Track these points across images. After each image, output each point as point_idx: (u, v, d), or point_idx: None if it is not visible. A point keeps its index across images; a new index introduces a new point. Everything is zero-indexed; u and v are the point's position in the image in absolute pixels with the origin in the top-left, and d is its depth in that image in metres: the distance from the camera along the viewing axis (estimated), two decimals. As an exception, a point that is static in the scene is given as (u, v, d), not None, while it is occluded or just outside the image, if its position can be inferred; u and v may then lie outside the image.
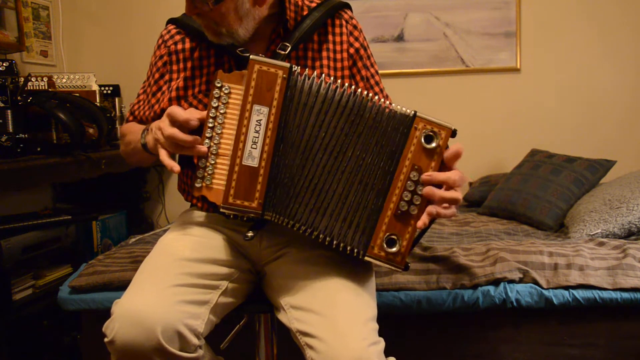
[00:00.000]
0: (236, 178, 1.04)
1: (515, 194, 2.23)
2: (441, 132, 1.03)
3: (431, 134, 1.03)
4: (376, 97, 1.06)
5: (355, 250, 1.06)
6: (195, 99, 1.23)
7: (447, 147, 1.04)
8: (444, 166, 1.04)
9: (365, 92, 1.06)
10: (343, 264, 1.14)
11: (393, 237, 1.04)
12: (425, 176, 1.02)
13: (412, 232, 1.04)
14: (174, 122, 1.04)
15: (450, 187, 1.02)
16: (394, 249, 1.04)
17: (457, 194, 1.02)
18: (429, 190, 1.02)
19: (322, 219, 1.06)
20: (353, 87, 1.06)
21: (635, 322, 1.55)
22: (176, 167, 1.05)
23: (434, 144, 1.03)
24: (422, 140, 1.03)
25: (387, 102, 1.07)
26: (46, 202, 2.56)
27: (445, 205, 1.02)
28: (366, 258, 1.06)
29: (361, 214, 1.06)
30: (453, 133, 1.03)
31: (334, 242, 1.06)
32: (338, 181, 1.06)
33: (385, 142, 1.05)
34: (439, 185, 1.03)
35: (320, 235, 1.06)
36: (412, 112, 1.04)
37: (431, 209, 1.02)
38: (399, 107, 1.05)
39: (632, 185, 1.96)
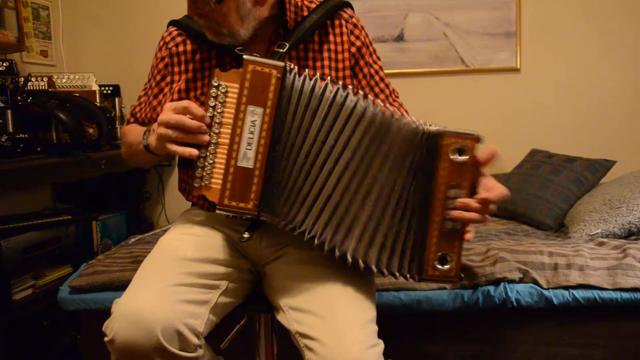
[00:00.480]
0: (231, 179, 1.04)
1: (515, 194, 2.22)
2: (468, 142, 1.02)
3: (461, 147, 1.02)
4: (398, 113, 1.05)
5: (408, 276, 1.07)
6: (198, 101, 1.22)
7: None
8: (478, 171, 1.04)
9: (386, 108, 1.05)
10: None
11: (445, 256, 1.05)
12: (460, 203, 1.03)
13: (459, 246, 1.05)
14: (185, 113, 1.03)
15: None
16: (448, 266, 1.05)
17: (484, 218, 1.04)
18: (459, 215, 1.03)
19: (349, 241, 1.05)
20: (370, 97, 1.06)
21: (635, 322, 1.55)
22: (194, 150, 1.03)
23: (465, 157, 1.02)
24: (453, 155, 1.02)
25: (408, 117, 1.05)
26: (46, 202, 2.55)
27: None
28: (422, 282, 1.07)
29: (405, 239, 1.06)
30: (479, 140, 1.03)
31: (372, 266, 1.06)
32: (362, 201, 1.05)
33: (412, 161, 1.04)
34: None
35: (350, 259, 1.05)
36: (436, 128, 1.03)
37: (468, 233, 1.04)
38: (419, 122, 1.04)
39: (632, 185, 1.96)
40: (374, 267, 1.06)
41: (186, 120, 1.02)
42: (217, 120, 1.05)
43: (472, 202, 1.02)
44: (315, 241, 1.05)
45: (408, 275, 1.06)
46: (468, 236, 1.04)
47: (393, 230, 1.05)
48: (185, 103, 1.03)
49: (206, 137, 1.03)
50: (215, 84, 1.05)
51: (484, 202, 1.02)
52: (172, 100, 1.23)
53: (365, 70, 1.28)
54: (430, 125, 1.05)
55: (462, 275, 1.07)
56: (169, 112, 1.04)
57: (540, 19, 2.75)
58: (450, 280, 1.06)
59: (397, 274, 1.07)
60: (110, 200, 2.67)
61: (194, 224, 1.25)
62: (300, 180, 1.05)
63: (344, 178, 1.05)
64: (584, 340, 1.57)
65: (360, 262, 1.05)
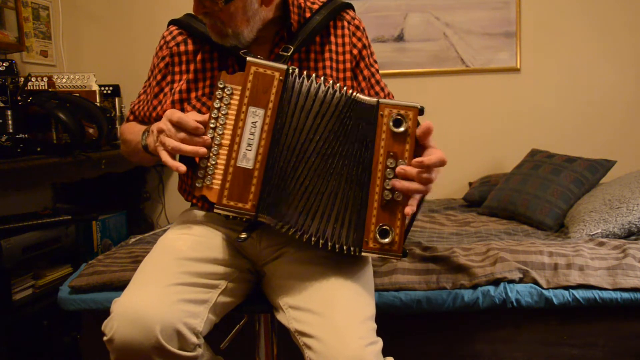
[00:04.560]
0: (230, 179, 1.04)
1: (515, 194, 2.23)
2: (408, 113, 1.03)
3: (399, 117, 1.04)
4: (361, 95, 1.07)
5: (352, 249, 1.06)
6: (199, 102, 1.23)
7: (417, 126, 1.04)
8: (419, 145, 1.05)
9: (351, 91, 1.07)
10: (341, 262, 1.14)
11: (385, 227, 1.04)
12: (399, 169, 1.03)
13: (402, 219, 1.05)
14: (181, 129, 1.03)
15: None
16: (388, 239, 1.04)
17: (431, 176, 1.02)
18: (401, 186, 1.02)
19: (312, 222, 1.06)
20: (350, 90, 1.07)
21: (635, 322, 1.55)
22: (181, 167, 1.04)
23: (403, 128, 1.04)
24: (391, 125, 1.04)
25: (355, 93, 1.07)
26: (46, 202, 2.55)
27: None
28: (363, 254, 1.06)
29: (351, 211, 1.06)
30: (420, 111, 1.04)
31: (329, 244, 1.06)
32: (327, 182, 1.07)
33: (358, 135, 1.06)
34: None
35: (313, 238, 1.06)
36: (376, 100, 1.05)
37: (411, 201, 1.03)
38: (362, 97, 1.06)
39: (632, 185, 1.96)
40: (330, 243, 1.06)
41: (183, 147, 1.03)
42: (221, 122, 1.05)
43: (409, 169, 1.02)
44: (290, 231, 1.06)
45: (352, 249, 1.06)
46: (407, 209, 1.02)
47: (344, 203, 1.06)
48: (177, 117, 1.03)
49: (203, 150, 1.04)
50: (221, 86, 1.05)
51: (420, 166, 1.01)
52: (172, 101, 1.23)
53: (366, 72, 1.29)
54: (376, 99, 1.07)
55: (407, 251, 1.06)
56: (167, 123, 1.04)
57: (540, 19, 2.75)
58: (393, 254, 1.05)
59: (345, 247, 1.06)
60: (110, 200, 2.67)
61: (193, 223, 1.25)
62: (290, 177, 1.06)
63: (319, 168, 1.06)
64: (584, 340, 1.57)
65: (321, 242, 1.05)
